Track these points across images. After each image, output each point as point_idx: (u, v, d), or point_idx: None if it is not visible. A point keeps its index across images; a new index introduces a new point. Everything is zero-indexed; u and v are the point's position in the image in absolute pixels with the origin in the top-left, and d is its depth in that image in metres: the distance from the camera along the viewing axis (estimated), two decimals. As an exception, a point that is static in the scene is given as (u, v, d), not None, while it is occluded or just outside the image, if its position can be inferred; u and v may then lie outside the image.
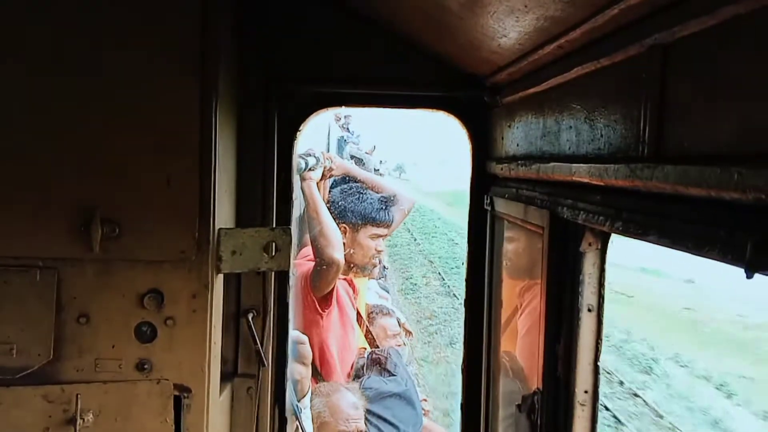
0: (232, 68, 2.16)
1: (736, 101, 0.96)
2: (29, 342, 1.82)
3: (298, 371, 2.69)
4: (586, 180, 1.49)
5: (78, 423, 1.81)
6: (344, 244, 3.59)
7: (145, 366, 1.87)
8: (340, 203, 3.74)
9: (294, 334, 2.67)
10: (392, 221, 3.85)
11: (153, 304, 1.86)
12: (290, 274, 2.47)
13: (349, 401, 3.16)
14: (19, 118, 1.81)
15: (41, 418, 1.83)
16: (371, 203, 3.75)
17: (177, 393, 1.88)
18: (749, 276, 0.91)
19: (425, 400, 4.80)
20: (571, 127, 1.64)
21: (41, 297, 1.83)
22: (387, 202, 3.81)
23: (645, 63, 1.21)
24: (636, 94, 1.25)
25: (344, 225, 3.67)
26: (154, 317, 1.86)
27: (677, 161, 1.08)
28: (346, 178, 3.92)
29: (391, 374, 3.67)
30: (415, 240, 24.91)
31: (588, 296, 1.70)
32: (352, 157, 8.16)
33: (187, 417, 1.89)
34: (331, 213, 3.56)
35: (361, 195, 3.77)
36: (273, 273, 2.35)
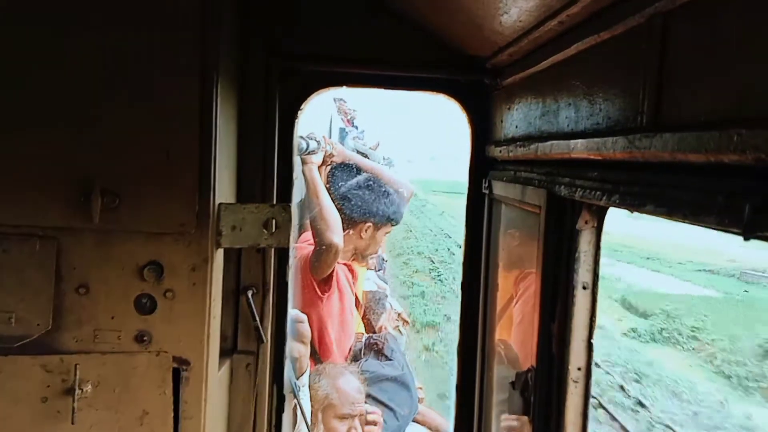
0: (234, 44, 2.16)
1: (735, 65, 0.96)
2: (28, 311, 1.83)
3: (296, 349, 2.71)
4: (584, 155, 1.50)
5: (76, 393, 1.82)
6: (362, 238, 3.69)
7: (144, 338, 1.88)
8: (368, 201, 3.79)
9: (293, 312, 2.68)
10: (401, 219, 3.95)
11: (152, 276, 1.87)
12: (290, 253, 2.48)
13: (354, 385, 3.18)
14: (20, 89, 1.81)
15: (40, 387, 1.84)
16: (394, 204, 3.83)
17: (176, 365, 1.89)
18: (746, 239, 0.91)
19: (421, 388, 4.83)
20: (570, 104, 1.65)
21: (41, 266, 1.84)
22: (402, 199, 3.89)
23: (645, 33, 1.21)
24: (635, 65, 1.25)
25: (371, 223, 3.75)
26: (154, 289, 1.87)
27: (676, 129, 1.08)
28: (358, 168, 3.94)
29: (388, 359, 3.70)
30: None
31: (583, 274, 1.71)
32: (356, 151, 8.15)
33: (186, 389, 1.90)
34: (355, 208, 3.64)
35: (389, 196, 3.83)
36: (273, 251, 2.37)
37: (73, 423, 1.82)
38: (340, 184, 3.84)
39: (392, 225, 3.88)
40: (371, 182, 3.86)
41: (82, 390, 1.84)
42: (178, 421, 1.90)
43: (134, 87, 1.83)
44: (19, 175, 1.81)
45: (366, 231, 3.72)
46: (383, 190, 3.84)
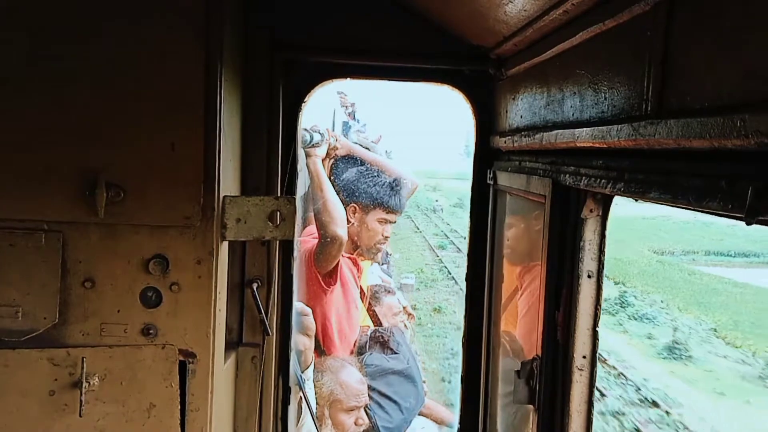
0: (238, 37, 2.16)
1: (739, 51, 0.96)
2: (35, 305, 1.84)
3: (302, 342, 2.71)
4: (588, 144, 1.50)
5: (84, 386, 1.83)
6: (351, 222, 3.62)
7: (150, 331, 1.88)
8: (354, 183, 3.74)
9: (298, 305, 2.69)
10: (402, 208, 3.85)
11: (158, 269, 1.87)
12: (294, 245, 2.49)
13: (356, 377, 3.19)
14: (25, 83, 1.81)
15: (47, 380, 1.85)
16: (383, 187, 3.75)
17: (182, 358, 1.90)
18: (748, 222, 0.91)
19: (425, 381, 4.84)
20: (575, 93, 1.64)
21: (46, 260, 1.84)
22: (398, 187, 3.82)
23: (650, 21, 1.21)
24: (640, 53, 1.25)
25: (355, 204, 3.69)
26: (159, 282, 1.88)
27: (680, 115, 1.08)
28: (361, 160, 3.91)
29: (394, 352, 3.70)
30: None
31: (588, 263, 1.71)
32: (359, 145, 8.12)
33: (192, 382, 1.91)
34: (344, 191, 3.58)
35: (376, 178, 3.77)
36: (277, 244, 2.37)
37: (80, 416, 1.83)
38: (343, 177, 3.82)
39: (384, 211, 3.70)
40: (362, 168, 3.83)
41: (89, 383, 1.84)
42: (185, 413, 1.90)
43: (139, 80, 1.82)
44: (24, 170, 1.81)
45: (353, 214, 3.67)
46: (372, 174, 3.79)
